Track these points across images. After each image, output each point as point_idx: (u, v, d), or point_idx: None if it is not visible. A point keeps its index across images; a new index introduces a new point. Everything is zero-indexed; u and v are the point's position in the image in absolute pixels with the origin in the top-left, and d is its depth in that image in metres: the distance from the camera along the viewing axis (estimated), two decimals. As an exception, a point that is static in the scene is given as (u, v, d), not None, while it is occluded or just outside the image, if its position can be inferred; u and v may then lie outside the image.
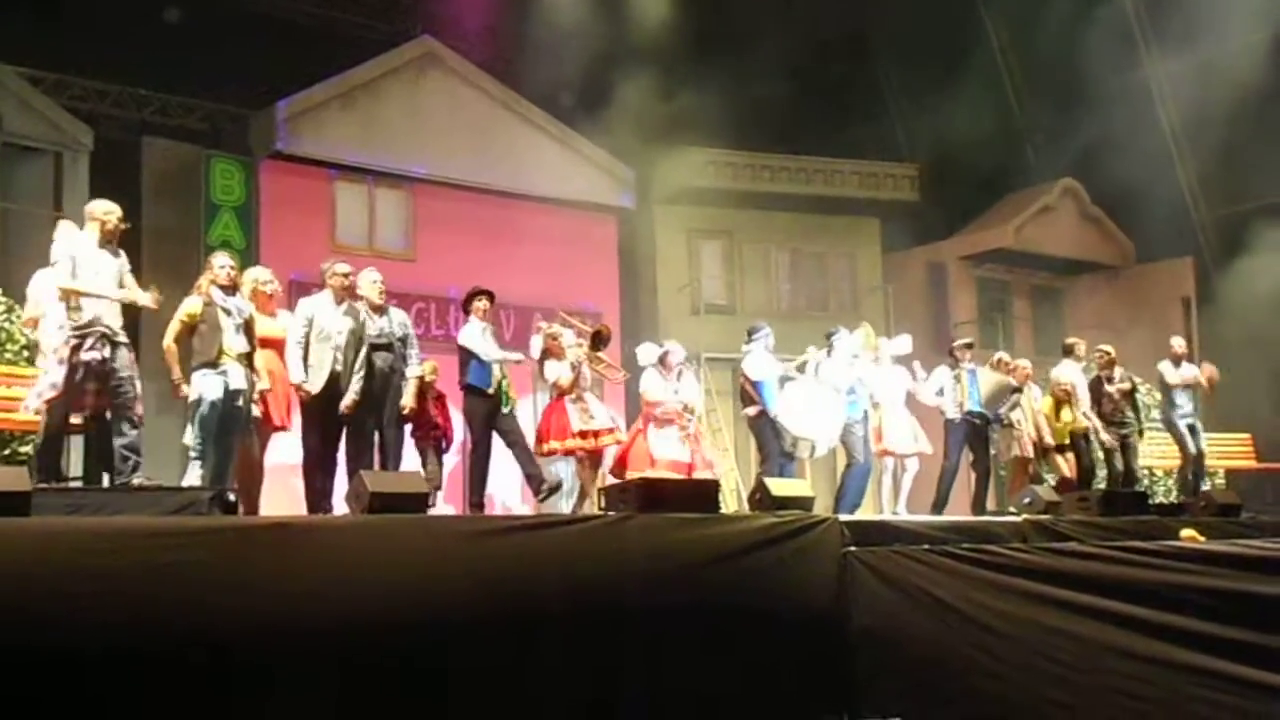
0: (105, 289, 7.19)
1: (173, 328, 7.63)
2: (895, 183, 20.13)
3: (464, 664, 5.26)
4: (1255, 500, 13.62)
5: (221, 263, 7.80)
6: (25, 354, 9.21)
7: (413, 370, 8.60)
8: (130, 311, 7.46)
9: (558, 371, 9.52)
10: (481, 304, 9.17)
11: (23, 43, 13.89)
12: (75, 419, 7.67)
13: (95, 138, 14.60)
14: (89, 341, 7.12)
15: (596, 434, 9.49)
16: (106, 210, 7.37)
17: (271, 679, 4.81)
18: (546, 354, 9.60)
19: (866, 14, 19.44)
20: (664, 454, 9.74)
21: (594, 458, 9.70)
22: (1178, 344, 12.04)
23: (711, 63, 17.14)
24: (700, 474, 9.64)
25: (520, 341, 12.37)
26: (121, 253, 7.46)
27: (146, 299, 7.37)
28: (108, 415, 7.48)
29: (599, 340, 10.04)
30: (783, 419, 9.92)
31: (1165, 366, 11.82)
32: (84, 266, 7.17)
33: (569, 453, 9.59)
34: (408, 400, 8.48)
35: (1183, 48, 17.60)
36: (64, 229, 7.49)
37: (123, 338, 7.30)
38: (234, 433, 7.70)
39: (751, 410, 10.09)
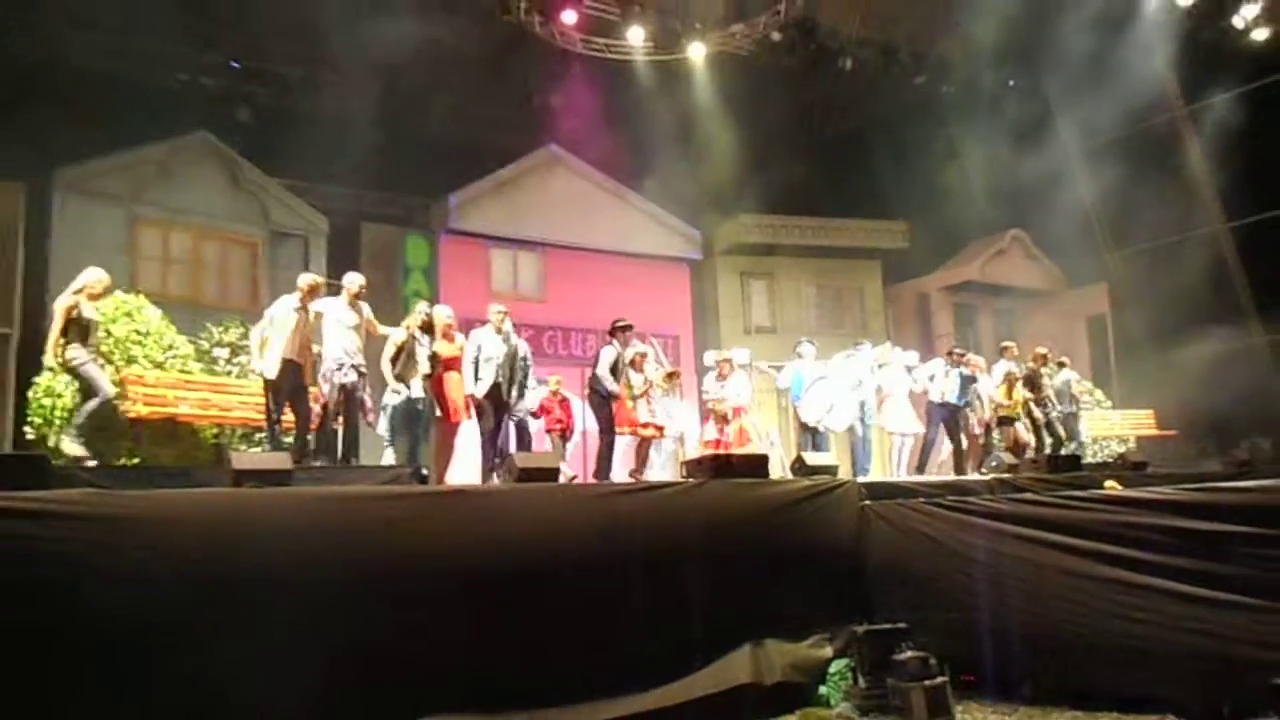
0: (345, 333, 7.65)
1: (387, 352, 7.94)
2: (891, 235, 20.03)
3: (585, 584, 5.18)
4: (1157, 458, 13.27)
5: (424, 309, 8.25)
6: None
7: (531, 384, 8.88)
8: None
9: (634, 380, 9.48)
10: (619, 335, 9.14)
11: (281, 161, 14.57)
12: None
13: (329, 225, 15.14)
14: (343, 369, 7.44)
15: (658, 427, 9.48)
16: (360, 282, 7.90)
17: (455, 596, 4.77)
18: (633, 364, 9.56)
19: (865, 116, 19.35)
20: (705, 437, 10.10)
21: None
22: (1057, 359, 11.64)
23: (756, 153, 17.19)
24: (733, 450, 9.69)
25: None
26: (363, 305, 7.85)
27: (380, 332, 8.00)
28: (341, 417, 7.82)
29: (671, 378, 10.24)
30: (800, 409, 9.95)
31: (1045, 376, 11.21)
32: (332, 319, 7.62)
33: (634, 434, 9.37)
34: (531, 404, 8.93)
35: (1093, 129, 17.48)
36: (323, 301, 7.81)
37: (364, 367, 7.67)
38: (418, 425, 7.99)
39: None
